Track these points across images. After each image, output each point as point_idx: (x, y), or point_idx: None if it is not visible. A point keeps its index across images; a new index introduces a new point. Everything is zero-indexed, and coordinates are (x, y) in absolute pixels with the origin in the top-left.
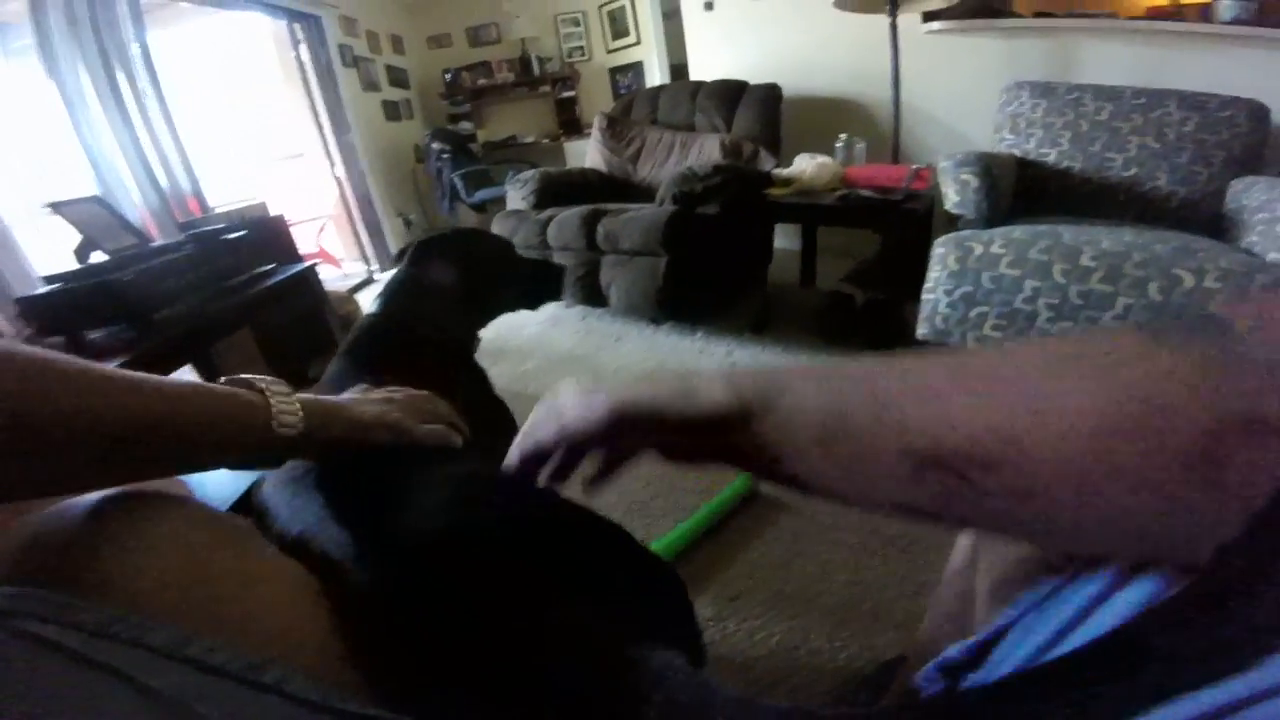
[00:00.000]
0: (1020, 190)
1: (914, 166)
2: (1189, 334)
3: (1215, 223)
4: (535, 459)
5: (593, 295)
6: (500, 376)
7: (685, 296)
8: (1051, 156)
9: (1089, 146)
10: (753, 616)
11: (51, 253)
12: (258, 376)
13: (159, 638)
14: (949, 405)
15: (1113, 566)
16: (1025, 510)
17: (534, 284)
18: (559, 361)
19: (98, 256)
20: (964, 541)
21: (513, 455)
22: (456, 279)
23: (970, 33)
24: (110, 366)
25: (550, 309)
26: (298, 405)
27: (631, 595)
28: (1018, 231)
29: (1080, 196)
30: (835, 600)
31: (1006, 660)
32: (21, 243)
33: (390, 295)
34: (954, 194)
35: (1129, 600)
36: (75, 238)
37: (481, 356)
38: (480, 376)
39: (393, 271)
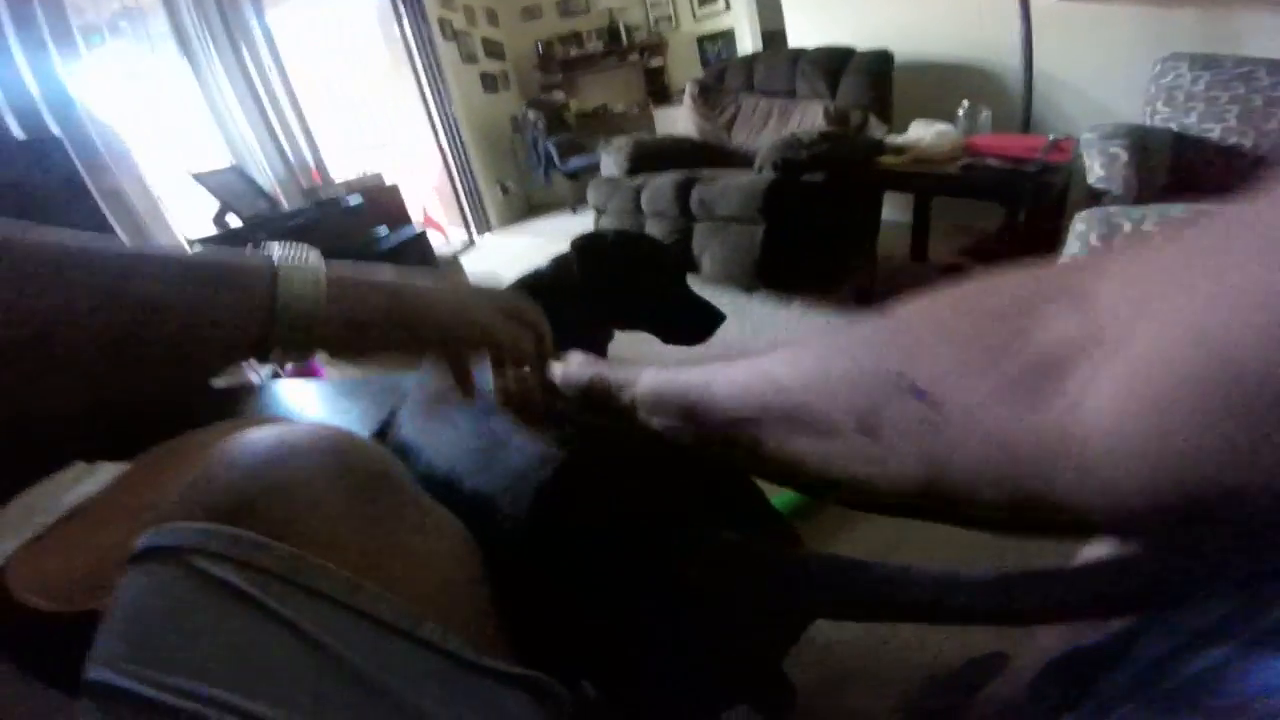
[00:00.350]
0: (1176, 168)
1: (1051, 136)
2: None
3: None
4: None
5: (685, 262)
6: None
7: (783, 266)
8: (1215, 133)
9: (1263, 124)
10: None
11: (191, 219)
12: (286, 245)
13: (331, 583)
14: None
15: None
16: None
17: (684, 320)
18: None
19: (233, 221)
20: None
21: (558, 373)
22: (596, 284)
23: (1114, 1)
24: (109, 244)
25: None
26: (316, 287)
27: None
28: (1176, 209)
29: (1248, 178)
30: None
31: (1146, 653)
32: (166, 209)
33: (530, 276)
34: (1099, 167)
35: None
36: (212, 206)
37: None
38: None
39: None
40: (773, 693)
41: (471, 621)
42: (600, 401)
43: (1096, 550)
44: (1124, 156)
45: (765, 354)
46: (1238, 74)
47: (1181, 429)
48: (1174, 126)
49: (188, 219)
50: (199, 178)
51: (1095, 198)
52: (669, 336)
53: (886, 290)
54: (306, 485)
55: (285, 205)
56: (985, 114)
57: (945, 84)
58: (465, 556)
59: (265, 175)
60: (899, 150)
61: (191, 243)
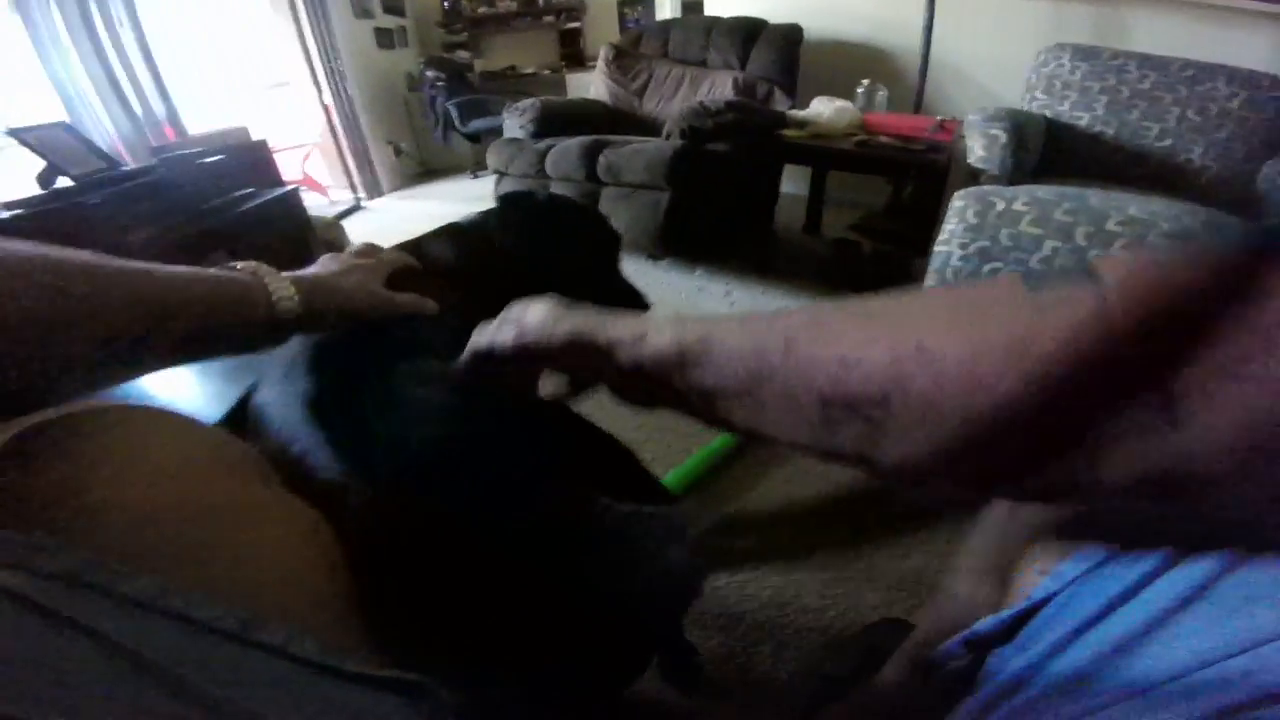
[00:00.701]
0: (1046, 152)
1: (939, 118)
2: (1061, 279)
3: (1241, 202)
4: (487, 359)
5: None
6: None
7: (687, 234)
8: (1084, 121)
9: (1126, 114)
10: (743, 570)
11: (15, 181)
12: (253, 262)
13: (135, 587)
14: (845, 344)
15: (1167, 545)
16: (923, 449)
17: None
18: None
19: (65, 184)
20: (996, 513)
21: (468, 351)
22: (522, 248)
23: None
24: (119, 259)
25: None
26: (291, 285)
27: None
28: (1043, 191)
29: (1108, 163)
30: (826, 558)
31: (1041, 635)
32: None
33: (451, 226)
34: (980, 149)
35: (1181, 579)
36: (38, 166)
37: None
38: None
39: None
40: (678, 659)
41: (329, 619)
42: (583, 365)
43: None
44: (1002, 138)
45: (880, 312)
46: (1112, 66)
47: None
48: (1048, 113)
49: (9, 180)
50: (17, 134)
51: (974, 177)
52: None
53: (783, 261)
54: (107, 483)
55: (130, 164)
56: (882, 93)
57: (849, 62)
58: (318, 546)
59: (106, 133)
60: (801, 124)
61: (10, 204)
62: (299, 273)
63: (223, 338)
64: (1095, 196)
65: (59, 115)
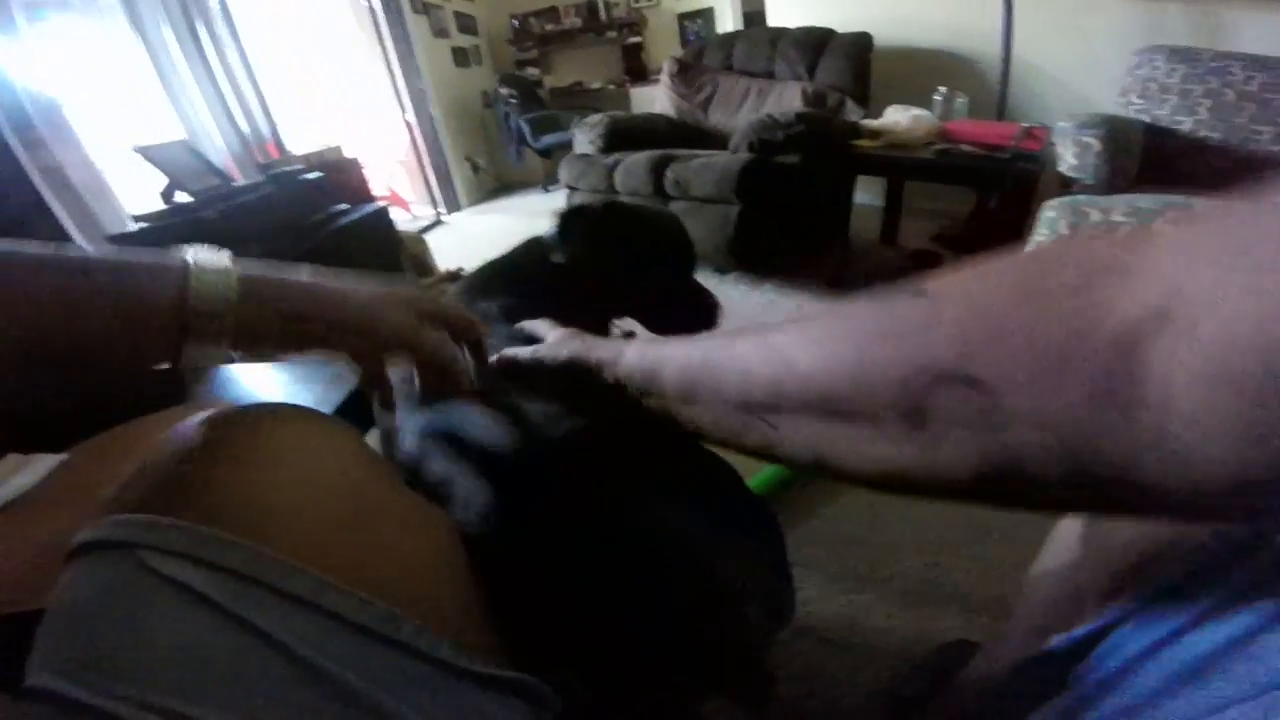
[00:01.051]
0: (1146, 159)
1: (1025, 125)
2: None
3: None
4: (512, 364)
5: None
6: None
7: (757, 247)
8: (1186, 125)
9: (1233, 118)
10: (810, 585)
11: (140, 195)
12: (192, 246)
13: (299, 585)
14: (745, 360)
15: (1224, 587)
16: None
17: (681, 310)
18: None
19: (183, 198)
20: (1069, 528)
21: (498, 357)
22: (585, 262)
23: None
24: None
25: None
26: (231, 285)
27: (736, 535)
28: (1144, 200)
29: (1216, 170)
30: (908, 582)
31: (1114, 654)
32: (113, 185)
33: (527, 246)
34: (1072, 156)
35: (1246, 616)
36: (162, 181)
37: None
38: None
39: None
40: (751, 684)
41: (457, 622)
42: (583, 382)
43: (1072, 525)
44: (1096, 146)
45: (770, 332)
46: (1213, 68)
47: (1271, 410)
48: (1147, 118)
49: (135, 195)
50: (143, 152)
51: (1066, 186)
52: (661, 326)
53: (857, 274)
54: (272, 481)
55: (239, 180)
56: (961, 100)
57: (922, 69)
58: (449, 552)
59: (218, 150)
60: (874, 134)
61: (139, 218)
62: (276, 275)
63: (93, 351)
64: (1202, 204)
65: (179, 134)
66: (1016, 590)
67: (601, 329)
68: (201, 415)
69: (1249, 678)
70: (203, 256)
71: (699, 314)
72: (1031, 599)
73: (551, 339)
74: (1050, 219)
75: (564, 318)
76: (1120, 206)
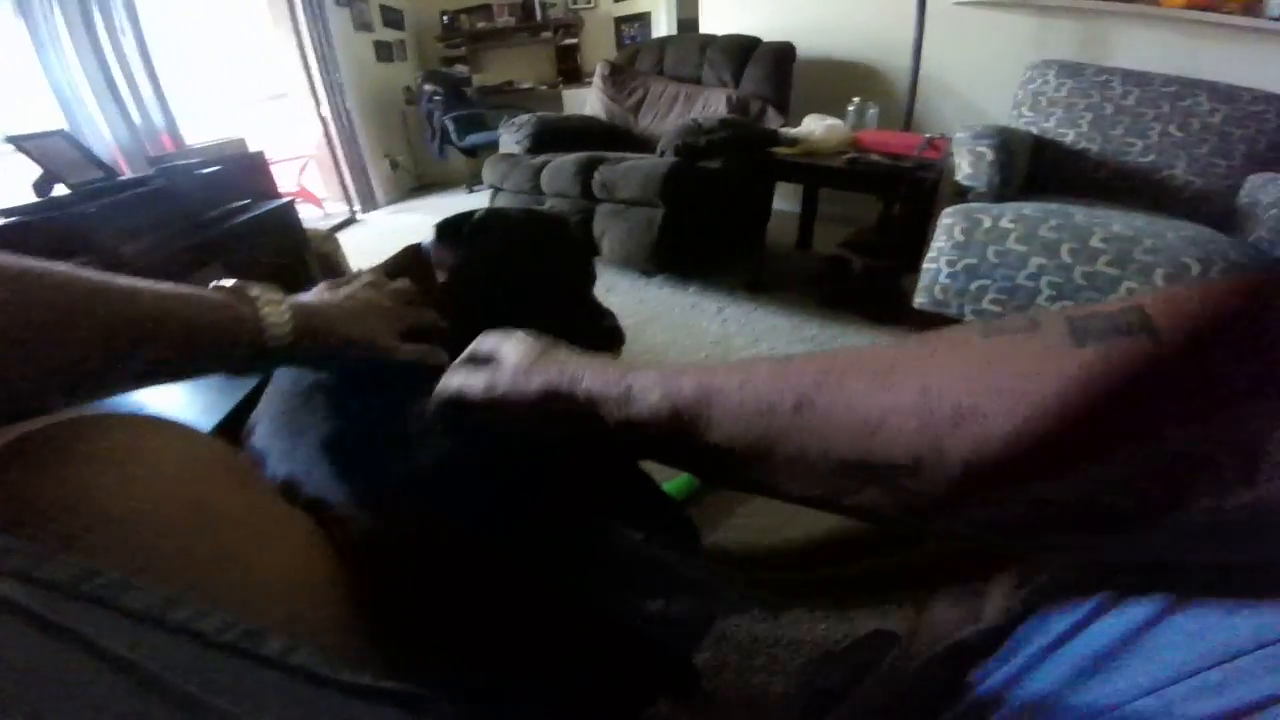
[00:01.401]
0: (1033, 169)
1: (928, 135)
2: (1111, 332)
3: (1226, 216)
4: (457, 407)
5: (591, 253)
6: None
7: (680, 250)
8: (1069, 137)
9: (1110, 130)
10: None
11: (11, 188)
12: (248, 283)
13: (139, 601)
14: (865, 405)
15: (1119, 579)
16: (961, 516)
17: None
18: None
19: (62, 192)
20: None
21: (436, 396)
22: (471, 272)
23: (1000, 7)
24: (97, 275)
25: None
26: (289, 317)
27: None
28: (1029, 208)
29: (1093, 180)
30: (822, 571)
31: (1020, 649)
32: None
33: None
34: (967, 166)
35: (1141, 607)
36: (36, 173)
37: None
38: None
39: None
40: (679, 681)
41: (332, 628)
42: (562, 424)
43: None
44: (989, 156)
45: (909, 364)
46: (1096, 82)
47: None
48: (1035, 130)
49: (6, 188)
50: (15, 141)
51: (961, 194)
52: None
53: (775, 277)
54: (114, 488)
55: (128, 174)
56: (873, 110)
57: (840, 79)
58: (319, 556)
59: (105, 141)
60: (792, 141)
61: (5, 211)
62: (299, 298)
63: (200, 363)
64: (1080, 213)
65: (58, 123)
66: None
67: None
68: (41, 421)
69: (1145, 672)
70: (264, 295)
71: (596, 336)
72: (942, 594)
73: (512, 361)
74: (947, 225)
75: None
76: (1008, 214)
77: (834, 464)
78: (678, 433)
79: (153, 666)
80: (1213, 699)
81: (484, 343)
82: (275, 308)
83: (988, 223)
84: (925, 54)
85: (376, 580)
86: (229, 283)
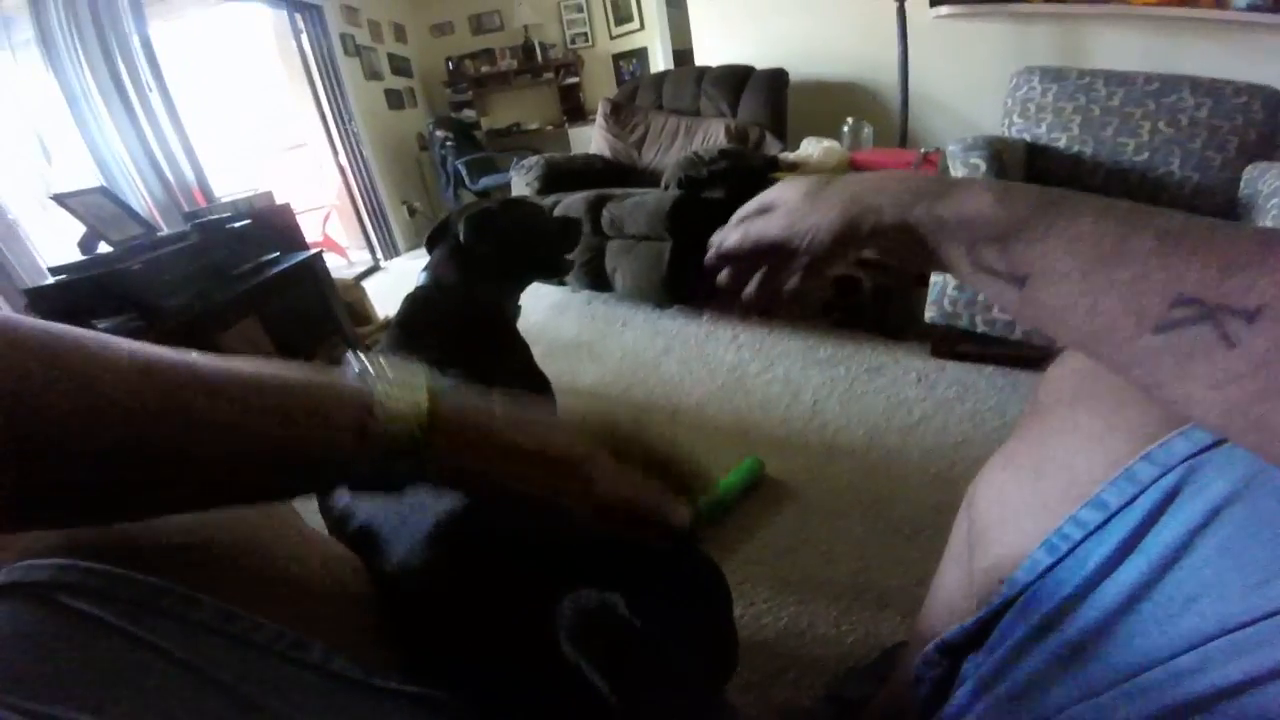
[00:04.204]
0: (1030, 176)
1: (921, 151)
2: None
3: (1229, 208)
4: (751, 254)
5: (598, 280)
6: None
7: (691, 281)
8: (1062, 142)
9: (1100, 132)
10: (759, 600)
11: (57, 244)
12: (376, 356)
13: (204, 613)
14: (1231, 251)
15: (1113, 540)
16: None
17: (560, 239)
18: (564, 346)
19: (104, 247)
20: (961, 529)
21: (730, 239)
22: (498, 247)
23: (979, 18)
24: (140, 344)
25: (556, 295)
26: (422, 398)
27: (668, 584)
28: None
29: (1091, 182)
30: (841, 588)
31: (1004, 639)
32: (27, 235)
33: (437, 265)
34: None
35: (1125, 579)
36: (80, 229)
37: None
38: (523, 345)
39: (434, 248)
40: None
41: (361, 643)
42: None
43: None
44: (983, 167)
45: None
46: (1080, 85)
47: None
48: (1027, 137)
49: (52, 244)
50: (60, 199)
51: None
52: (551, 269)
53: (785, 301)
54: (186, 519)
55: (164, 229)
56: (867, 130)
57: (833, 101)
58: (352, 581)
59: (141, 197)
60: (792, 166)
61: (56, 270)
62: (470, 402)
63: (288, 476)
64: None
65: (94, 179)
66: None
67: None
68: None
69: (1120, 661)
70: (386, 370)
71: (566, 235)
72: (933, 597)
73: (798, 198)
74: None
75: (494, 296)
76: None
77: (1166, 299)
78: (998, 238)
79: (215, 671)
80: (1186, 685)
81: (764, 196)
82: (399, 389)
83: None
84: (912, 69)
85: (402, 598)
86: (355, 362)
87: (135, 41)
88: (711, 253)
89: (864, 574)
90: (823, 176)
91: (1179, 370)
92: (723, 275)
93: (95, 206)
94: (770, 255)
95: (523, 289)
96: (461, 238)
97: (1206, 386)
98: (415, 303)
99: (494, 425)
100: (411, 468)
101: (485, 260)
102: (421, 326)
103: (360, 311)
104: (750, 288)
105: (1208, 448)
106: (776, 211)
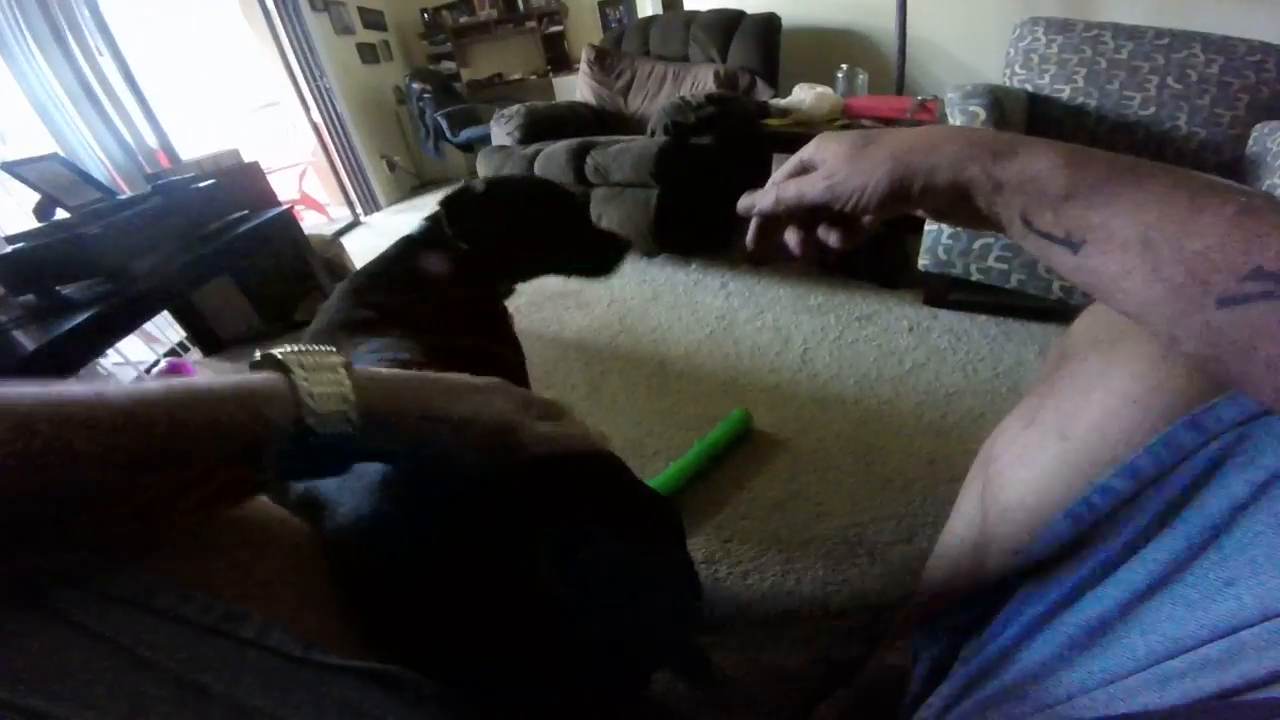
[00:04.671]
0: (1031, 127)
1: (919, 97)
2: None
3: (1235, 165)
4: (788, 216)
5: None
6: None
7: (679, 229)
8: (1065, 94)
9: (1106, 85)
10: (747, 559)
11: (16, 214)
12: (296, 346)
13: (125, 588)
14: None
15: (1147, 513)
16: None
17: (592, 254)
18: (549, 296)
19: (62, 214)
20: (968, 507)
21: (765, 201)
22: (487, 234)
23: None
24: (67, 388)
25: None
26: (346, 381)
27: (626, 527)
28: None
29: (1094, 135)
30: (831, 543)
31: (1011, 622)
32: None
33: (405, 241)
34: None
35: (1151, 560)
36: (34, 199)
37: None
38: (500, 319)
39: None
40: (687, 662)
41: (318, 615)
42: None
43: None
44: (982, 115)
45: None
46: (1087, 37)
47: None
48: (1029, 88)
49: (11, 213)
50: (9, 167)
51: None
52: (576, 270)
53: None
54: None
55: (126, 192)
56: (862, 77)
57: (827, 47)
58: (302, 551)
59: (100, 163)
60: (783, 113)
61: (12, 238)
62: (381, 372)
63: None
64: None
65: (47, 147)
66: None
67: (494, 303)
68: None
69: (1143, 646)
70: (310, 358)
71: (606, 248)
72: (936, 567)
73: (843, 155)
74: None
75: (459, 301)
76: None
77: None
78: (1056, 201)
79: (144, 650)
80: (1215, 674)
81: (802, 153)
82: (327, 374)
83: None
84: (911, 14)
85: (358, 575)
86: (275, 352)
87: (85, 11)
88: (750, 214)
89: (855, 529)
90: (864, 133)
91: (1241, 346)
92: (750, 236)
93: (50, 173)
94: (810, 216)
95: (519, 279)
96: (433, 216)
97: (1268, 367)
98: (364, 274)
99: (429, 393)
100: (349, 447)
101: (458, 243)
102: (367, 297)
103: (339, 267)
104: (792, 246)
105: (1258, 415)
106: (816, 172)
